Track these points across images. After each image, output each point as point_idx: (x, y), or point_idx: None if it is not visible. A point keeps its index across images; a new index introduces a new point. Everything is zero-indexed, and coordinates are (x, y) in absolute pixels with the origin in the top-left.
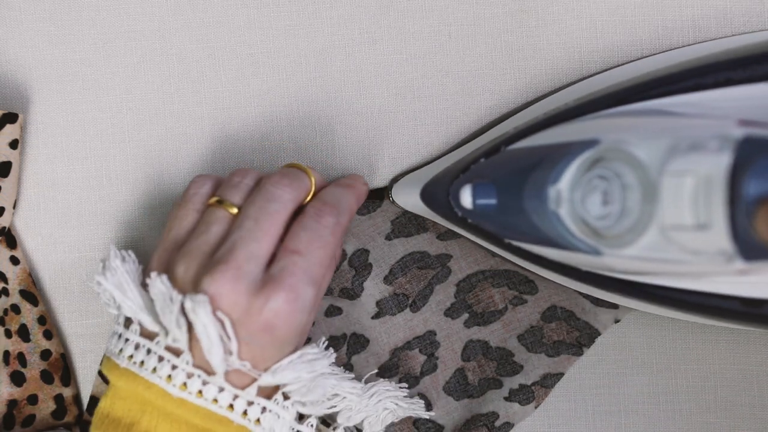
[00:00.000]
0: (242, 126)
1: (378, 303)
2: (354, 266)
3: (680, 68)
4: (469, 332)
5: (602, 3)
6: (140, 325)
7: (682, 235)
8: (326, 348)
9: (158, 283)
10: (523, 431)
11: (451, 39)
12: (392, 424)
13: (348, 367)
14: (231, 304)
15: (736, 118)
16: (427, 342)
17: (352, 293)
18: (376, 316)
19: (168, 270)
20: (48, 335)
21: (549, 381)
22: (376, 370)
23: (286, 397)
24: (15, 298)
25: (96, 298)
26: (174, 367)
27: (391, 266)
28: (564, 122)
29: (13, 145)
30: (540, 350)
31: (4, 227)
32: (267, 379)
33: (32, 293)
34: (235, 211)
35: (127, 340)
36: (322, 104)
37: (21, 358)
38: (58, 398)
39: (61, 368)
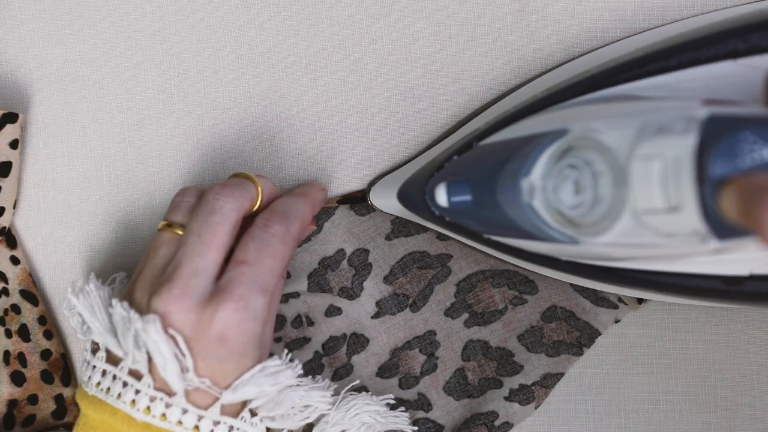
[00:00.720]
0: (242, 126)
1: (378, 303)
2: (354, 266)
3: (645, 51)
4: (469, 332)
5: (602, 3)
6: (107, 351)
7: (654, 218)
8: (291, 359)
9: (118, 308)
10: (523, 431)
11: (451, 39)
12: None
13: (348, 367)
14: (181, 320)
15: (700, 97)
16: (427, 342)
17: (351, 293)
18: (376, 315)
19: (130, 298)
20: (48, 335)
21: (549, 381)
22: (375, 369)
23: (253, 413)
24: (15, 298)
25: None
26: (137, 392)
27: (391, 266)
28: (533, 114)
29: (14, 145)
30: (540, 350)
31: (5, 227)
32: (229, 397)
33: (32, 293)
34: (180, 231)
35: (94, 367)
36: (322, 104)
37: (21, 358)
38: (59, 398)
39: (62, 368)
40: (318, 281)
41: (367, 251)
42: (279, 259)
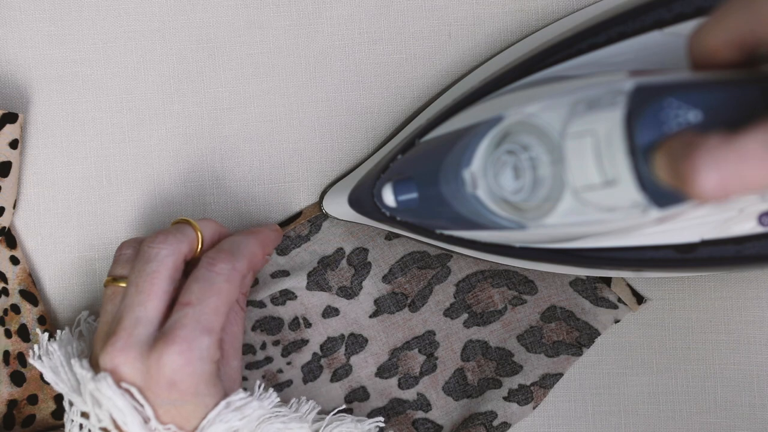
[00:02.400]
0: (242, 126)
1: (376, 301)
2: (353, 265)
3: (574, 31)
4: (468, 332)
5: (602, 3)
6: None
7: (594, 194)
8: (266, 388)
9: (76, 367)
10: (523, 431)
11: (451, 39)
12: (391, 424)
13: (347, 367)
14: (130, 371)
15: (627, 70)
16: (427, 342)
17: (350, 291)
18: (374, 314)
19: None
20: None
21: (548, 381)
22: (375, 370)
23: None
24: (15, 298)
25: (96, 298)
26: None
27: (390, 266)
28: (470, 105)
29: (13, 145)
30: (539, 350)
31: (4, 227)
32: None
33: (32, 293)
34: (123, 284)
35: (72, 420)
36: (322, 104)
37: (21, 358)
38: (58, 398)
39: None
40: (317, 280)
41: (366, 250)
42: (224, 297)
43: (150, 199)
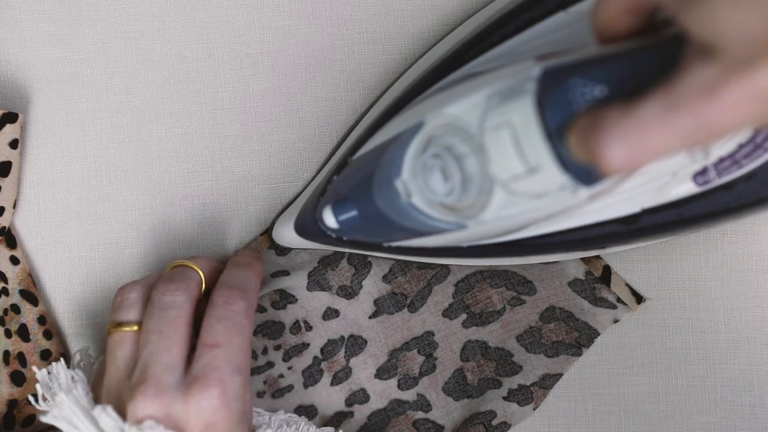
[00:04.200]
0: (242, 126)
1: (376, 302)
2: (353, 264)
3: (485, 25)
4: (467, 332)
5: None
6: None
7: (521, 184)
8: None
9: (104, 418)
10: (523, 431)
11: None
12: (392, 425)
13: (347, 370)
14: (166, 419)
15: (534, 56)
16: (426, 342)
17: (350, 291)
18: (374, 315)
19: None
20: (48, 335)
21: (548, 381)
22: (374, 371)
23: None
24: (15, 297)
25: (96, 298)
26: None
27: (390, 265)
28: (393, 116)
29: (13, 144)
30: (539, 351)
31: (4, 227)
32: None
33: (32, 293)
34: (135, 327)
35: None
36: (322, 104)
37: (21, 358)
38: None
39: None
40: (317, 280)
41: None
42: (247, 335)
43: (150, 199)
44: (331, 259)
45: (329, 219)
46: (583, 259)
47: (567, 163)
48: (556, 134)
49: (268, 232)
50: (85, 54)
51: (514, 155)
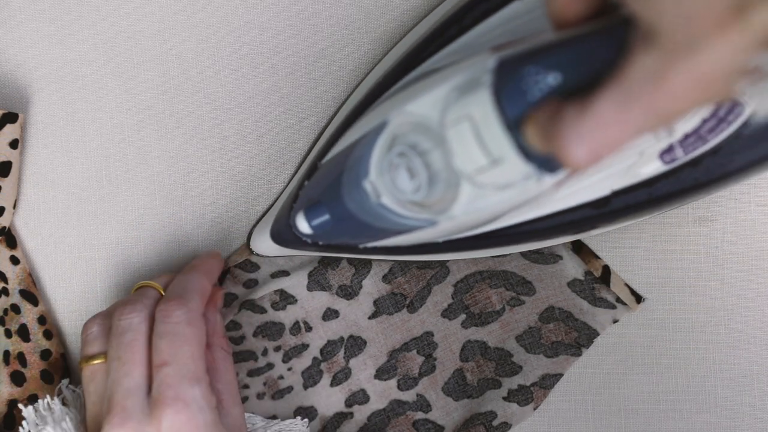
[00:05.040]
0: (242, 126)
1: (375, 302)
2: (354, 264)
3: (443, 20)
4: (466, 333)
5: None
6: None
7: (486, 176)
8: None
9: None
10: (523, 431)
11: None
12: (391, 426)
13: (346, 371)
14: None
15: (489, 46)
16: (425, 343)
17: (350, 291)
18: (373, 315)
19: None
20: (48, 335)
21: (548, 382)
22: (373, 372)
23: None
24: (15, 297)
25: (96, 298)
26: None
27: (391, 265)
28: (359, 117)
29: (14, 144)
30: (538, 351)
31: (4, 227)
32: None
33: (32, 293)
34: (97, 360)
35: None
36: (322, 104)
37: (21, 357)
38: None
39: (62, 368)
40: (318, 279)
41: None
42: (194, 343)
43: (150, 199)
44: (332, 259)
45: (303, 225)
46: (582, 259)
47: (529, 153)
48: (515, 125)
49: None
50: (85, 54)
51: (476, 148)
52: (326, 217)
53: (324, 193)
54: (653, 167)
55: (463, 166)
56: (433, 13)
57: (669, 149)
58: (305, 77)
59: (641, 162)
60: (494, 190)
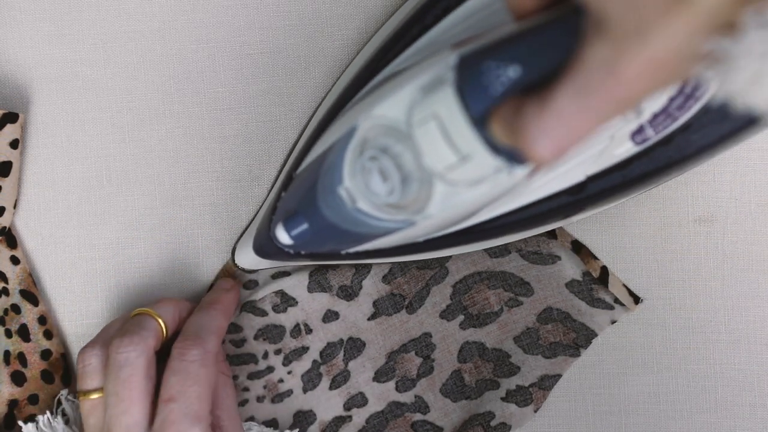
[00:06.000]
0: (242, 126)
1: (375, 303)
2: (354, 264)
3: (404, 20)
4: (464, 334)
5: None
6: None
7: (457, 173)
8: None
9: None
10: (523, 431)
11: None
12: (390, 428)
13: (345, 373)
14: None
15: (450, 44)
16: (423, 344)
17: (350, 291)
18: (373, 317)
19: None
20: (48, 335)
21: (547, 382)
22: (372, 374)
23: None
24: (15, 297)
25: (96, 298)
26: None
27: (391, 265)
28: (329, 124)
29: (14, 144)
30: (537, 352)
31: (5, 227)
32: None
33: (32, 293)
34: (97, 395)
35: None
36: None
37: (21, 358)
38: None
39: (62, 368)
40: (319, 280)
41: None
42: (204, 383)
43: (150, 199)
44: None
45: (282, 236)
46: (581, 260)
47: (497, 147)
48: (480, 120)
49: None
50: (85, 54)
51: (444, 146)
52: (305, 226)
53: (300, 202)
54: (625, 149)
55: (434, 165)
56: (396, 13)
57: (639, 130)
58: (305, 77)
59: (613, 145)
60: (467, 186)
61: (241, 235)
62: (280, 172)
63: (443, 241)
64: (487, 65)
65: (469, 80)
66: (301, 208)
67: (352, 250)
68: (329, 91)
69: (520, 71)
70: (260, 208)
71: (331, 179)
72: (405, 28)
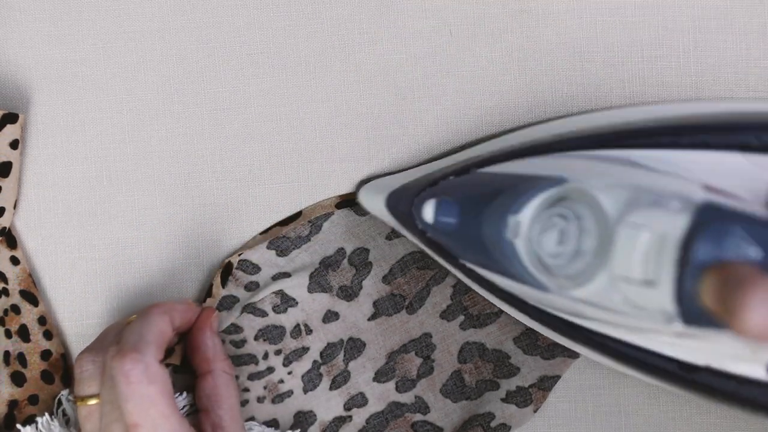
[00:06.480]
0: (242, 126)
1: (375, 303)
2: (354, 264)
3: (659, 123)
4: (464, 334)
5: (602, 3)
6: None
7: (628, 287)
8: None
9: None
10: (523, 431)
11: (452, 38)
12: (390, 428)
13: (345, 374)
14: None
15: (701, 182)
16: (423, 344)
17: (350, 292)
18: (373, 317)
19: None
20: (48, 335)
21: (546, 383)
22: (372, 374)
23: None
24: (15, 298)
25: (96, 298)
26: None
27: (391, 266)
28: (537, 155)
29: (14, 145)
30: (535, 353)
31: (5, 227)
32: None
33: (32, 293)
34: (94, 401)
35: None
36: (322, 104)
37: (21, 358)
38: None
39: (62, 368)
40: (319, 281)
41: (367, 250)
42: (161, 399)
43: (150, 199)
44: (332, 260)
45: (428, 212)
46: None
47: (683, 295)
48: (690, 266)
49: (290, 220)
50: (85, 54)
51: (638, 260)
52: (454, 220)
53: (466, 199)
54: (757, 372)
55: (614, 267)
56: (647, 107)
57: None
58: (305, 77)
59: (749, 358)
60: (623, 302)
61: (373, 179)
62: (451, 152)
63: (549, 319)
64: (734, 230)
65: (709, 228)
66: (463, 203)
67: (470, 265)
68: (550, 120)
69: (761, 256)
70: (411, 167)
71: (510, 203)
72: (656, 131)
